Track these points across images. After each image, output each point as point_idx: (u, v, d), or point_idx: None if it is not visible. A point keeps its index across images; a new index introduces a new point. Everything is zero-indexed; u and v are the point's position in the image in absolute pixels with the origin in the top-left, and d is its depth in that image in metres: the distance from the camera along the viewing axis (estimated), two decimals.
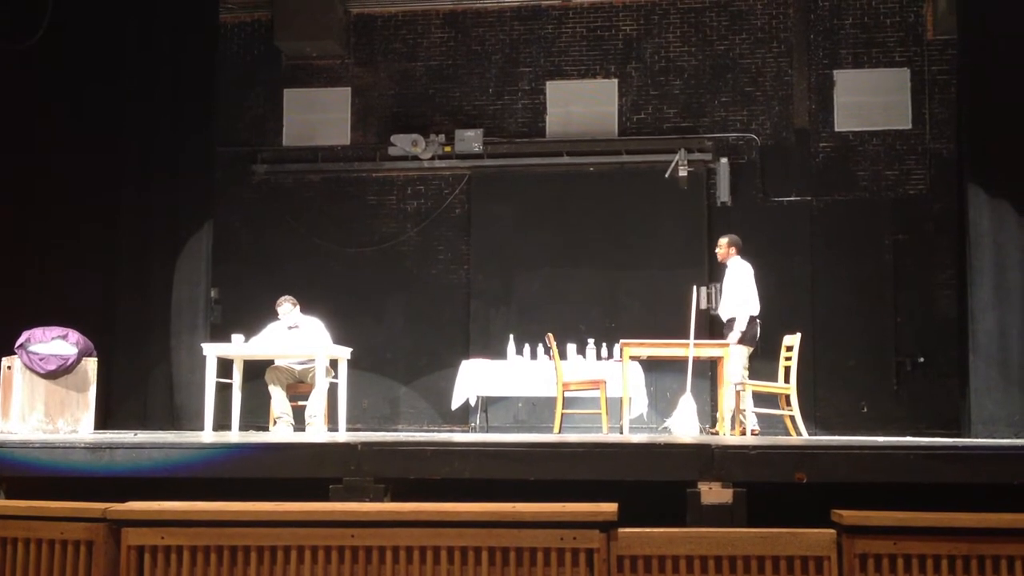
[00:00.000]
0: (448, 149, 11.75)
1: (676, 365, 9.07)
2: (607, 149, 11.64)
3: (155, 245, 9.49)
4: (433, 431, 10.82)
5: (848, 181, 11.36)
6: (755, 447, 4.50)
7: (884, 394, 10.98)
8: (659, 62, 11.79)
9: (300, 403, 8.42)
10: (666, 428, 8.93)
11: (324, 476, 4.45)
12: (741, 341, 8.26)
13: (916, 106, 11.31)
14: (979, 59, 8.94)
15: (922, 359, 10.89)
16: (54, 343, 7.04)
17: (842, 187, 11.36)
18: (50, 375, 6.99)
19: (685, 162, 11.19)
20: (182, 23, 9.60)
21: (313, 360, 8.29)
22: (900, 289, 11.10)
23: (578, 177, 11.68)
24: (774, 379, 8.25)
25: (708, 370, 9.95)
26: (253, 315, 9.37)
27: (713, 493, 4.27)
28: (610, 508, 3.71)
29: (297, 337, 8.58)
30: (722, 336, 8.82)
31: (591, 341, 9.98)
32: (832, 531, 3.70)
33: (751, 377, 8.40)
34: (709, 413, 10.23)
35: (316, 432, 8.06)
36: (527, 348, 10.09)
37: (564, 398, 8.56)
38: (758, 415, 8.39)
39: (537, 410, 11.11)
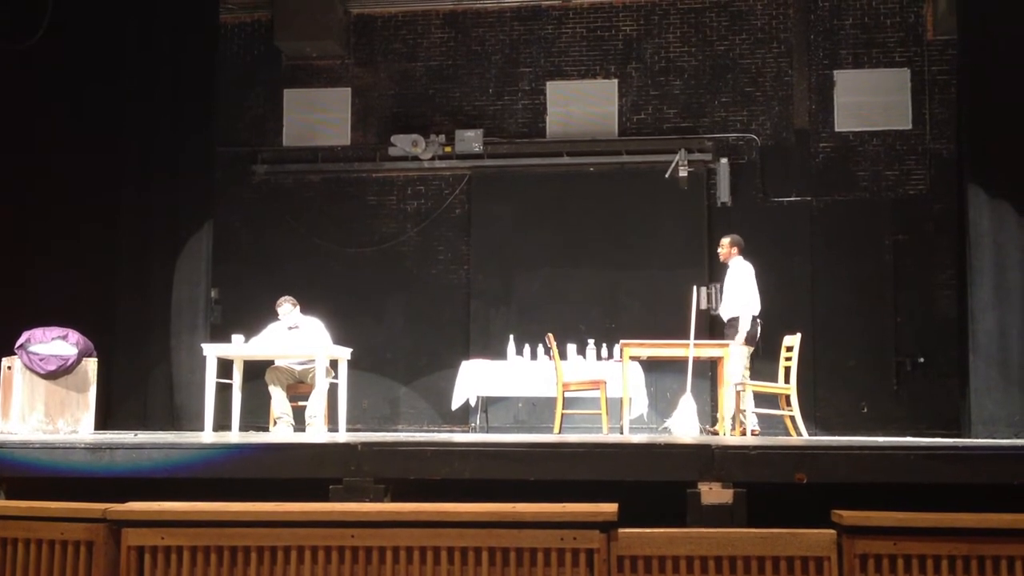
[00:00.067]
0: (448, 149, 11.75)
1: (676, 365, 9.07)
2: (607, 149, 11.64)
3: (155, 245, 9.49)
4: (433, 431, 10.82)
5: (848, 181, 11.36)
6: (755, 447, 4.50)
7: (884, 394, 10.98)
8: (659, 62, 11.79)
9: (300, 403, 8.42)
10: (666, 428, 8.93)
11: (324, 476, 4.45)
12: (744, 341, 8.27)
13: (916, 106, 11.31)
14: (979, 59, 8.94)
15: (922, 359, 10.89)
16: (54, 343, 7.04)
17: (842, 187, 11.36)
18: (50, 375, 6.99)
19: (685, 162, 11.19)
20: (182, 23, 9.60)
21: (313, 360, 8.29)
22: (900, 289, 11.10)
23: (578, 177, 11.68)
24: (774, 379, 8.25)
25: (708, 370, 9.95)
26: (253, 315, 9.37)
27: (713, 493, 4.27)
28: (610, 508, 3.71)
29: (297, 337, 8.58)
30: (722, 336, 8.83)
31: (591, 341, 9.98)
32: (832, 531, 3.70)
33: (752, 377, 8.40)
34: (709, 413, 10.23)
35: (316, 432, 8.06)
36: (527, 348, 10.09)
37: (564, 398, 8.56)
38: (758, 415, 8.39)
39: (537, 410, 11.11)
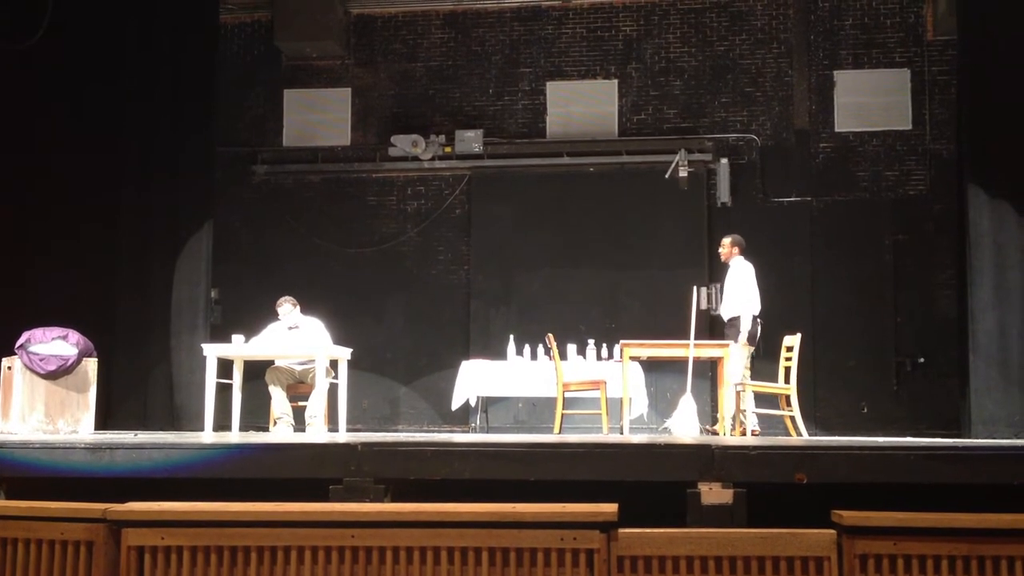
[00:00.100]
0: (448, 150, 11.75)
1: (676, 365, 9.07)
2: (607, 150, 11.63)
3: (155, 245, 9.49)
4: (433, 431, 10.82)
5: (848, 182, 11.36)
6: (755, 447, 4.50)
7: (884, 394, 10.98)
8: (659, 63, 11.79)
9: (300, 403, 8.42)
10: (666, 428, 8.93)
11: (324, 476, 4.45)
12: (737, 339, 8.27)
13: (916, 107, 11.31)
14: (979, 60, 8.94)
15: (922, 359, 10.89)
16: (54, 343, 7.04)
17: (842, 188, 11.36)
18: (50, 375, 6.99)
19: (685, 162, 11.19)
20: (182, 23, 9.60)
21: (313, 360, 8.29)
22: (900, 289, 11.10)
23: (578, 177, 11.68)
24: (774, 379, 8.25)
25: (708, 370, 9.95)
26: (253, 315, 9.37)
27: (713, 493, 4.27)
28: (610, 508, 3.71)
29: (297, 337, 8.58)
30: (722, 336, 8.84)
31: (591, 341, 9.98)
32: (832, 531, 3.70)
33: (752, 377, 8.41)
34: (709, 413, 10.23)
35: (316, 433, 8.06)
36: (527, 348, 10.09)
37: (564, 398, 8.56)
38: (758, 415, 8.39)
39: (537, 410, 11.11)
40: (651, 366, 9.76)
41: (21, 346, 6.99)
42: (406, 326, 11.77)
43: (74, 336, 7.14)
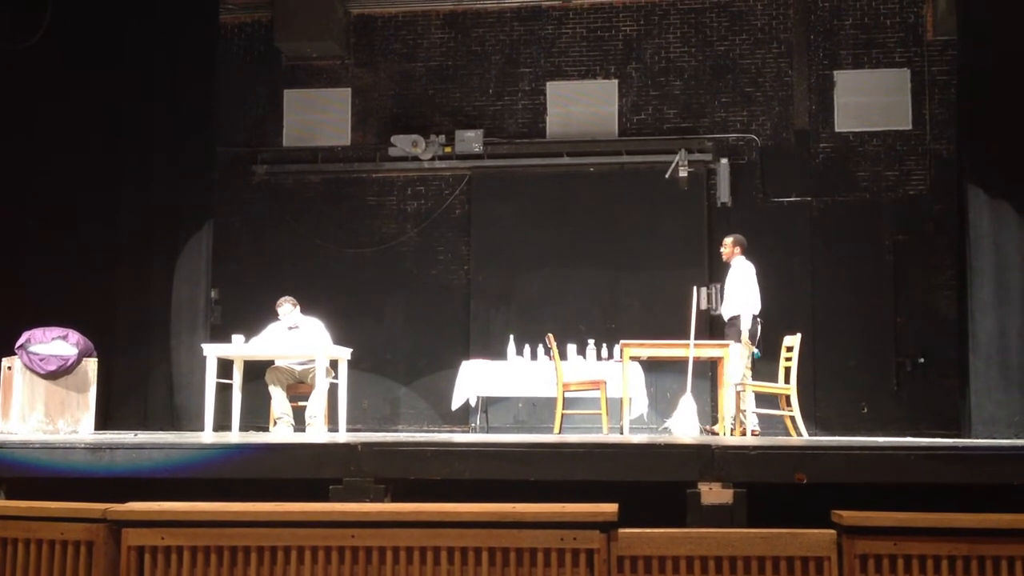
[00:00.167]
0: (448, 150, 11.75)
1: (676, 365, 9.07)
2: (607, 150, 11.64)
3: (155, 245, 9.49)
4: (433, 432, 10.82)
5: (848, 182, 11.36)
6: (755, 447, 4.50)
7: (884, 394, 10.98)
8: (659, 63, 11.79)
9: (300, 404, 8.42)
10: (666, 428, 8.93)
11: (324, 477, 4.45)
12: (737, 338, 8.27)
13: (916, 107, 11.31)
14: (979, 59, 8.94)
15: (922, 359, 10.89)
16: (54, 344, 7.04)
17: (842, 188, 11.36)
18: (50, 376, 6.99)
19: (685, 163, 11.19)
20: (182, 23, 9.60)
21: (313, 361, 8.29)
22: (900, 289, 11.10)
23: (578, 177, 11.68)
24: (774, 379, 8.25)
25: (708, 370, 9.95)
26: (253, 315, 9.37)
27: (713, 493, 4.27)
28: (610, 508, 3.71)
29: (297, 338, 8.58)
30: (722, 336, 8.84)
31: (591, 341, 9.98)
32: (832, 532, 3.69)
33: (752, 377, 8.40)
34: (709, 413, 10.23)
35: (316, 433, 8.06)
36: (527, 348, 10.09)
37: (564, 398, 8.56)
38: (758, 415, 8.39)
39: (537, 410, 11.11)
40: (651, 366, 9.76)
41: (21, 346, 6.99)
42: (406, 326, 11.77)
43: (74, 336, 7.14)
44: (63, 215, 9.22)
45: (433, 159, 11.80)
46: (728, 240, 8.85)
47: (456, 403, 9.79)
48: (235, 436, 7.26)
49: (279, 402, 8.40)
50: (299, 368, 8.60)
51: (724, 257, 8.88)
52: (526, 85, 11.95)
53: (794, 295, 10.94)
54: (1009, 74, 8.66)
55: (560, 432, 8.50)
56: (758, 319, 8.51)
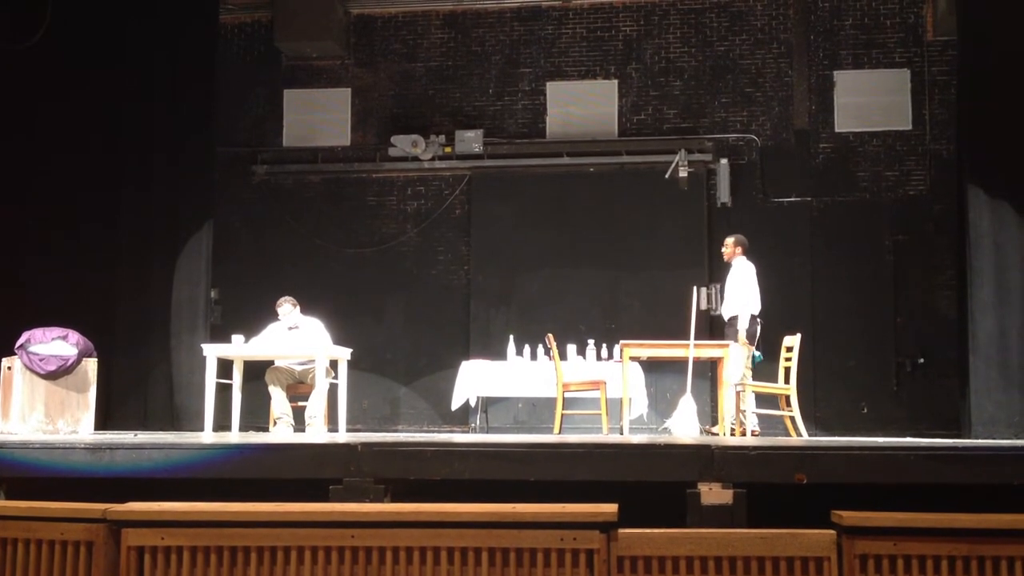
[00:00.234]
0: (448, 150, 11.75)
1: (676, 366, 9.07)
2: (607, 150, 11.64)
3: (155, 245, 9.49)
4: (433, 432, 10.82)
5: (848, 182, 11.36)
6: (755, 448, 4.50)
7: (884, 395, 10.98)
8: (659, 63, 11.79)
9: (300, 404, 8.42)
10: (666, 429, 8.93)
11: (324, 477, 4.45)
12: (737, 338, 8.27)
13: (916, 107, 11.31)
14: (979, 60, 8.94)
15: (922, 360, 10.88)
16: (54, 344, 7.04)
17: (842, 188, 11.36)
18: (50, 376, 6.99)
19: (685, 163, 11.19)
20: (182, 23, 9.60)
21: (313, 361, 8.29)
22: (900, 290, 11.10)
23: (578, 178, 11.68)
24: (774, 380, 8.25)
25: (708, 371, 9.95)
26: (253, 315, 9.37)
27: (713, 494, 4.27)
28: (610, 509, 3.71)
29: (297, 338, 8.58)
30: (722, 336, 8.84)
31: (591, 342, 9.98)
32: (832, 532, 3.69)
33: (752, 377, 8.40)
34: (709, 414, 10.23)
35: (316, 433, 8.06)
36: (527, 348, 10.09)
37: (564, 399, 8.56)
38: (758, 416, 8.39)
39: (537, 411, 11.11)
40: (651, 366, 9.76)
41: (21, 346, 6.99)
42: (406, 326, 11.77)
43: (74, 336, 7.14)
44: (63, 215, 9.23)
45: (433, 159, 11.80)
46: (729, 240, 8.85)
47: (456, 403, 9.79)
48: (235, 436, 7.26)
49: (279, 402, 8.40)
50: (299, 368, 8.60)
51: (725, 257, 8.89)
52: (526, 85, 11.95)
53: (794, 295, 10.93)
54: (1009, 74, 8.66)
55: (560, 432, 8.50)
56: (758, 319, 8.51)
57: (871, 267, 11.16)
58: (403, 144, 11.74)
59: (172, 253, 9.46)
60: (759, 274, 8.69)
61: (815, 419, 10.15)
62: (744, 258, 8.71)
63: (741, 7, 11.68)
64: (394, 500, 4.39)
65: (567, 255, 11.53)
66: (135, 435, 6.28)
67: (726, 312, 8.74)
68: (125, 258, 9.49)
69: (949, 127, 10.75)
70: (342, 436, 7.25)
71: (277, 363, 8.56)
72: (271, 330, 8.74)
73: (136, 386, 9.26)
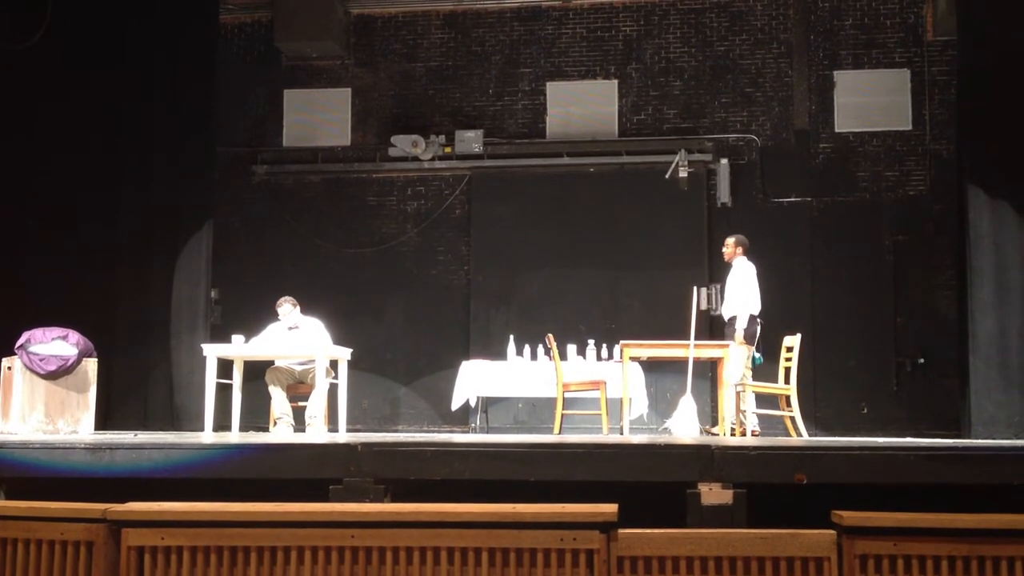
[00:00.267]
0: (448, 150, 11.75)
1: (676, 366, 9.07)
2: (607, 150, 11.64)
3: (155, 245, 9.49)
4: (433, 432, 10.82)
5: (848, 182, 11.36)
6: (755, 448, 4.50)
7: (884, 395, 10.98)
8: (659, 63, 11.79)
9: (300, 404, 8.42)
10: (666, 429, 8.93)
11: (324, 477, 4.45)
12: (744, 340, 8.27)
13: (916, 107, 11.31)
14: (979, 60, 8.94)
15: (922, 360, 10.88)
16: (54, 344, 7.04)
17: (842, 188, 11.36)
18: (50, 376, 6.99)
19: (685, 163, 11.19)
20: (182, 23, 9.60)
21: (313, 361, 8.29)
22: (900, 290, 11.10)
23: (578, 178, 11.68)
24: (774, 380, 8.25)
25: (708, 371, 9.95)
26: (253, 315, 9.37)
27: (713, 494, 4.27)
28: (610, 509, 3.71)
29: (297, 338, 8.58)
30: (723, 337, 8.83)
31: (591, 342, 9.98)
32: (832, 532, 3.69)
33: (753, 377, 8.40)
34: (709, 414, 10.23)
35: (316, 433, 8.06)
36: (527, 349, 10.09)
37: (564, 399, 8.56)
38: (758, 416, 8.39)
39: (537, 411, 11.11)
40: (651, 366, 9.76)
41: (21, 346, 6.99)
42: (406, 326, 11.77)
43: (74, 336, 7.14)
44: (63, 215, 9.23)
45: (433, 159, 11.80)
46: (730, 240, 8.85)
47: (456, 403, 9.79)
48: (235, 436, 7.26)
49: (279, 402, 8.40)
50: (299, 368, 8.60)
51: (726, 257, 8.88)
52: (526, 85, 11.95)
53: (794, 295, 10.93)
54: (1009, 74, 8.66)
55: (560, 432, 8.50)
56: (758, 320, 8.51)
57: (871, 267, 11.16)
58: (403, 144, 11.74)
59: (172, 253, 9.46)
60: (759, 274, 8.69)
61: (815, 419, 10.15)
62: (744, 258, 8.70)
63: (741, 7, 11.69)
64: (394, 500, 4.39)
65: (567, 255, 11.53)
66: (135, 435, 6.28)
67: (726, 312, 8.75)
68: (125, 258, 9.49)
69: (949, 127, 10.75)
70: (342, 436, 7.25)
71: (277, 363, 8.56)
72: (271, 330, 8.74)
73: (136, 386, 9.26)
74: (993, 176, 8.70)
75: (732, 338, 8.39)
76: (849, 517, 3.70)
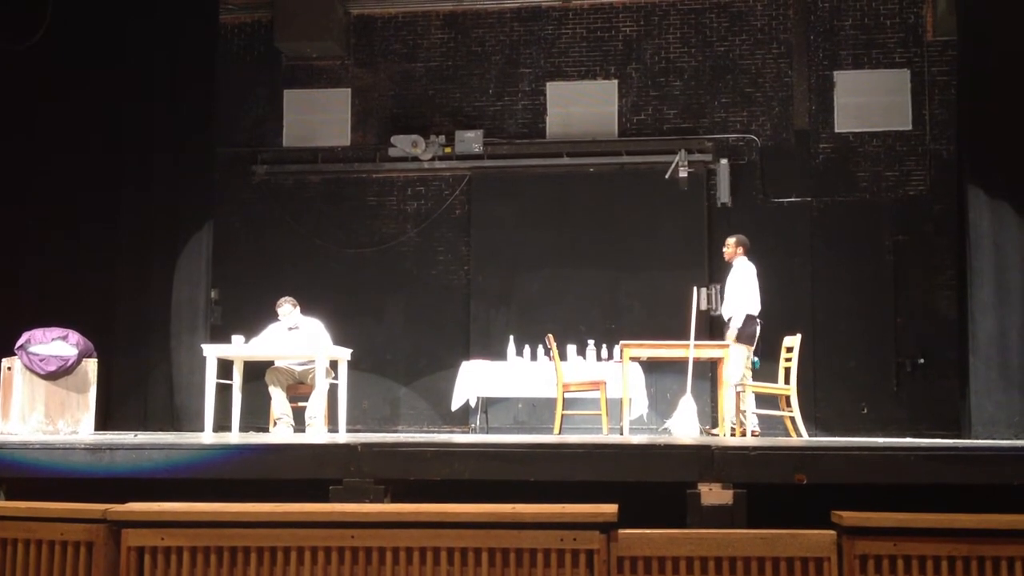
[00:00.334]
0: (448, 150, 11.75)
1: (676, 366, 9.07)
2: (607, 150, 11.64)
3: (155, 245, 9.49)
4: (433, 432, 10.82)
5: (848, 182, 11.36)
6: (755, 448, 4.50)
7: (884, 395, 10.98)
8: (659, 63, 11.79)
9: (300, 404, 8.42)
10: (666, 429, 8.93)
11: (324, 477, 4.45)
12: (739, 339, 8.26)
13: (916, 107, 11.31)
14: (979, 60, 8.94)
15: (922, 360, 10.88)
16: (54, 344, 7.03)
17: (842, 188, 11.36)
18: (50, 376, 6.99)
19: (685, 163, 11.19)
20: (182, 23, 9.60)
21: (313, 361, 8.29)
22: (900, 290, 11.10)
23: (578, 178, 11.68)
24: (774, 380, 8.25)
25: (708, 371, 9.95)
26: (253, 316, 9.37)
27: (713, 494, 4.27)
28: (610, 509, 3.71)
29: (297, 338, 8.58)
30: (723, 337, 8.83)
31: (591, 342, 9.98)
32: (832, 532, 3.70)
33: (753, 378, 8.40)
34: (709, 414, 10.23)
35: (316, 433, 8.06)
36: (527, 349, 10.09)
37: (564, 399, 8.56)
38: (758, 416, 8.39)
39: (537, 411, 11.11)
40: (651, 367, 9.76)
41: (21, 346, 6.99)
42: (406, 326, 11.77)
43: (74, 336, 7.14)
44: (63, 215, 9.22)
45: (433, 159, 11.80)
46: (731, 240, 8.84)
47: (456, 404, 9.79)
48: (235, 437, 7.26)
49: (279, 403, 8.40)
50: (299, 369, 8.60)
51: (726, 257, 8.88)
52: (526, 85, 11.95)
53: (794, 295, 10.94)
54: (1009, 74, 8.66)
55: (560, 433, 8.50)
56: (758, 320, 8.50)
57: (871, 267, 11.16)
58: (403, 144, 11.74)
59: (172, 253, 9.45)
60: (759, 274, 8.69)
61: (815, 419, 10.15)
62: (745, 258, 8.70)
63: (741, 7, 11.69)
64: (394, 500, 4.39)
65: (567, 255, 11.53)
66: (135, 435, 6.28)
67: (726, 312, 8.74)
68: (125, 258, 9.49)
69: (949, 127, 10.75)
70: (342, 436, 7.25)
71: (277, 363, 8.56)
72: (271, 330, 8.73)
73: (136, 386, 9.26)
74: (993, 176, 8.69)
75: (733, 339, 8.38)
76: (849, 517, 3.70)
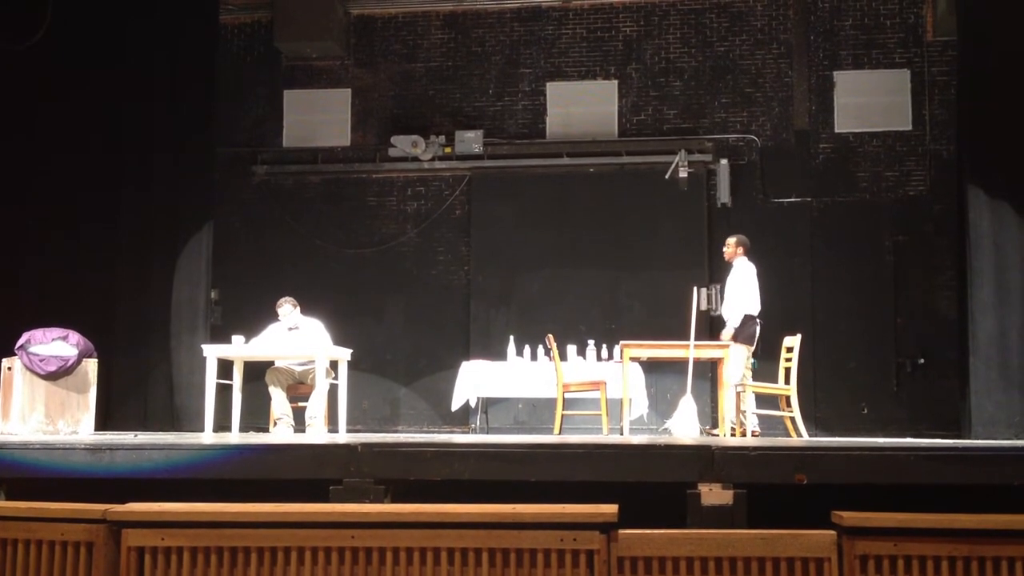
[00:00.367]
0: (448, 150, 11.75)
1: (676, 366, 9.08)
2: (607, 150, 11.64)
3: (155, 245, 9.49)
4: (433, 432, 10.82)
5: (848, 182, 11.36)
6: (755, 448, 4.50)
7: (884, 395, 10.98)
8: (659, 63, 11.79)
9: (300, 404, 8.42)
10: (666, 429, 8.94)
11: (324, 477, 4.45)
12: (736, 339, 8.25)
13: (916, 107, 11.31)
14: (979, 60, 8.94)
15: (922, 360, 10.88)
16: (54, 344, 7.03)
17: (842, 188, 11.36)
18: (50, 376, 6.99)
19: (685, 163, 11.19)
20: (182, 24, 9.60)
21: (313, 361, 8.29)
22: (900, 290, 11.10)
23: (578, 178, 11.68)
24: (774, 380, 8.25)
25: (709, 371, 9.95)
26: (253, 316, 9.37)
27: (713, 494, 4.27)
28: (610, 509, 3.71)
29: (297, 338, 8.58)
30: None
31: (591, 342, 9.98)
32: (832, 532, 3.70)
33: (753, 378, 8.40)
34: (709, 414, 10.23)
35: (316, 433, 8.06)
36: (527, 349, 10.09)
37: (564, 399, 8.56)
38: (758, 416, 8.39)
39: (537, 411, 11.11)
40: (651, 367, 9.76)
41: (21, 347, 6.99)
42: (406, 326, 11.77)
43: (74, 337, 7.14)
44: (63, 215, 9.22)
45: (433, 159, 11.81)
46: (731, 240, 8.83)
47: (456, 404, 9.79)
48: (235, 437, 7.26)
49: (279, 403, 8.40)
50: (299, 369, 8.60)
51: (727, 257, 8.87)
52: (526, 85, 11.95)
53: (794, 295, 10.94)
54: (1009, 74, 8.66)
55: (560, 433, 8.50)
56: (758, 320, 8.49)
57: (871, 267, 11.16)
58: (403, 144, 11.74)
59: (172, 253, 9.45)
60: (759, 274, 8.68)
61: (815, 419, 10.15)
62: (745, 258, 8.69)
63: (741, 7, 11.69)
64: (394, 501, 4.39)
65: (567, 255, 11.53)
66: (135, 436, 6.28)
67: (726, 312, 8.73)
68: (125, 258, 9.49)
69: (949, 127, 10.75)
70: (342, 437, 7.25)
71: (277, 364, 8.56)
72: (271, 331, 8.73)
73: (136, 386, 9.26)
74: (993, 176, 8.69)
75: (731, 339, 8.37)
76: (849, 517, 3.70)
